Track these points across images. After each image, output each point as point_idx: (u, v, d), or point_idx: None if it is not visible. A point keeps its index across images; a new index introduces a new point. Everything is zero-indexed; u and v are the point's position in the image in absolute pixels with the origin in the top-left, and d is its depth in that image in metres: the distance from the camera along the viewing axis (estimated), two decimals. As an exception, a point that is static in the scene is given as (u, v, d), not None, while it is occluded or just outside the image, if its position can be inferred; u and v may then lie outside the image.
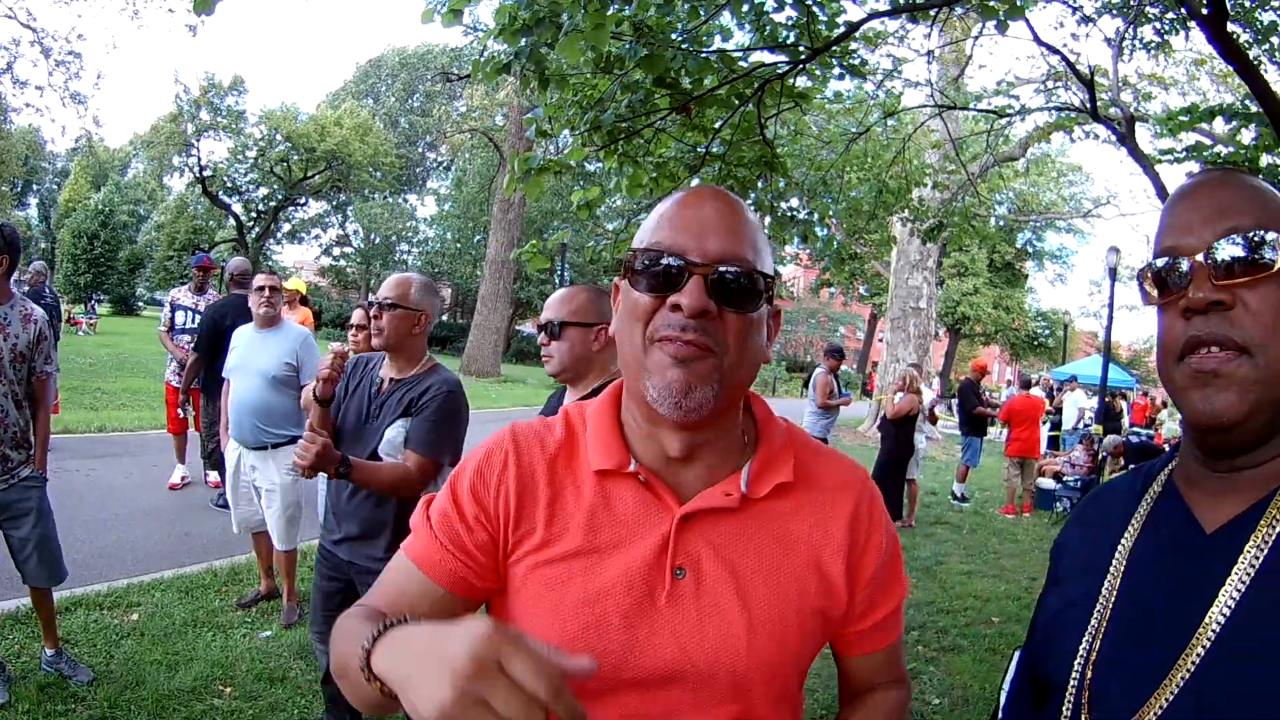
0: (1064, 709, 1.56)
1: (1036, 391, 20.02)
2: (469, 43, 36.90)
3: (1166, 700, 1.40)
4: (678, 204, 1.70)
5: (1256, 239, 1.45)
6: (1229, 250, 1.45)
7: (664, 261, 1.61)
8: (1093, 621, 1.58)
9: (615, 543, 1.67)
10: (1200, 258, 1.47)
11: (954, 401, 20.37)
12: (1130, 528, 1.64)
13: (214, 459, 10.05)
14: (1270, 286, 1.44)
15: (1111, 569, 1.61)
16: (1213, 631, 1.38)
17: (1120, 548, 1.63)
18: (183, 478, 11.20)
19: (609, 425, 1.77)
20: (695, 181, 7.73)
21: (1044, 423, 22.11)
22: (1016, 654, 1.98)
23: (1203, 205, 1.52)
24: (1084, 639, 1.58)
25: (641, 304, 1.63)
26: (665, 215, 1.69)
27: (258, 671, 6.14)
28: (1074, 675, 1.57)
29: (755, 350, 1.69)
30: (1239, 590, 1.39)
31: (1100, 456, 17.47)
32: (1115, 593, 1.58)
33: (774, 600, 1.68)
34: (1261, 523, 1.43)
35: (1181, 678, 1.40)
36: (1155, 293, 1.56)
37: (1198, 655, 1.39)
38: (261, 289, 7.08)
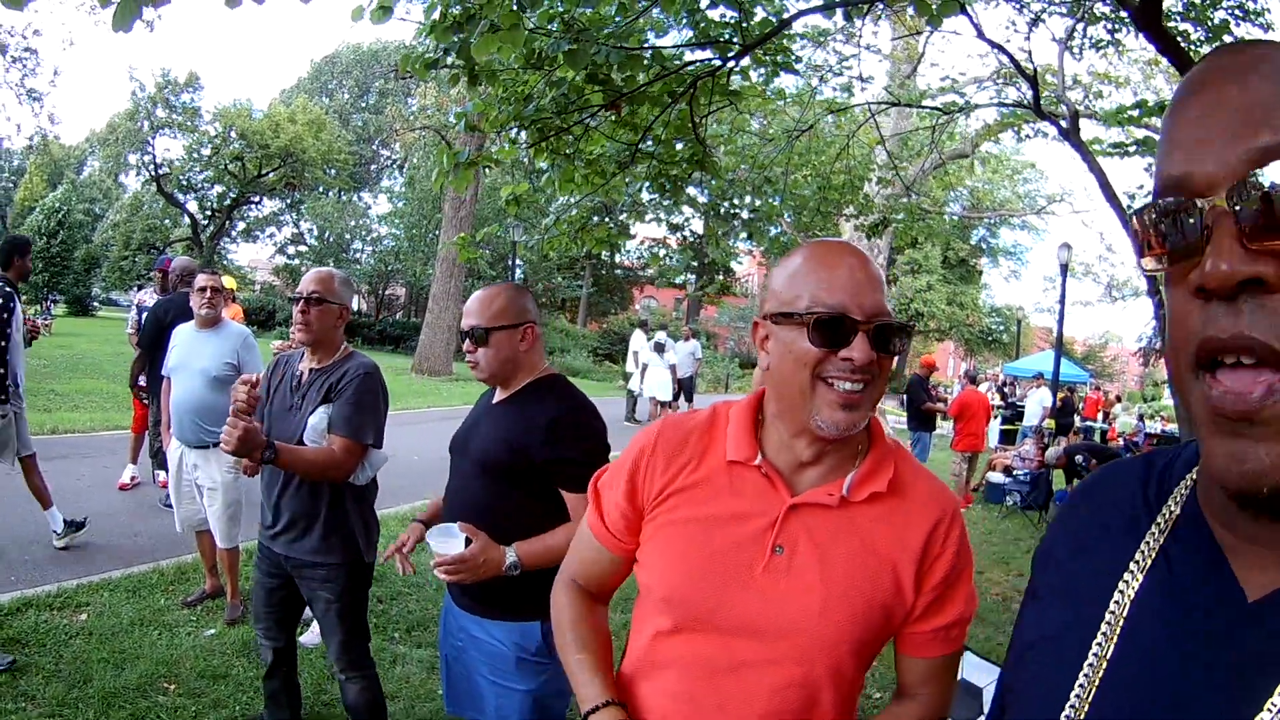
0: None
1: (983, 387, 20.12)
2: (424, 40, 36.84)
3: None
4: (822, 264, 2.03)
5: None
6: (1265, 186, 0.88)
7: (830, 318, 1.94)
8: (1081, 678, 1.13)
9: (733, 516, 2.08)
10: (1223, 199, 0.90)
11: (904, 397, 20.46)
12: (1138, 556, 1.16)
13: (160, 458, 10.06)
14: None
15: (1110, 612, 1.14)
16: None
17: (1122, 585, 1.15)
18: (132, 478, 11.21)
19: (747, 425, 2.16)
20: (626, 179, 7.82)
21: (995, 417, 22.33)
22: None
23: (1228, 104, 0.94)
24: (1068, 702, 1.12)
25: (811, 354, 1.95)
26: (814, 274, 2.01)
27: (201, 669, 6.17)
28: None
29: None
30: None
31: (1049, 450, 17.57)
32: (1111, 647, 1.12)
33: (848, 587, 2.02)
34: None
35: None
36: (1153, 251, 1.01)
37: None
38: (203, 289, 7.07)
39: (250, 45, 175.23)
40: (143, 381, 10.26)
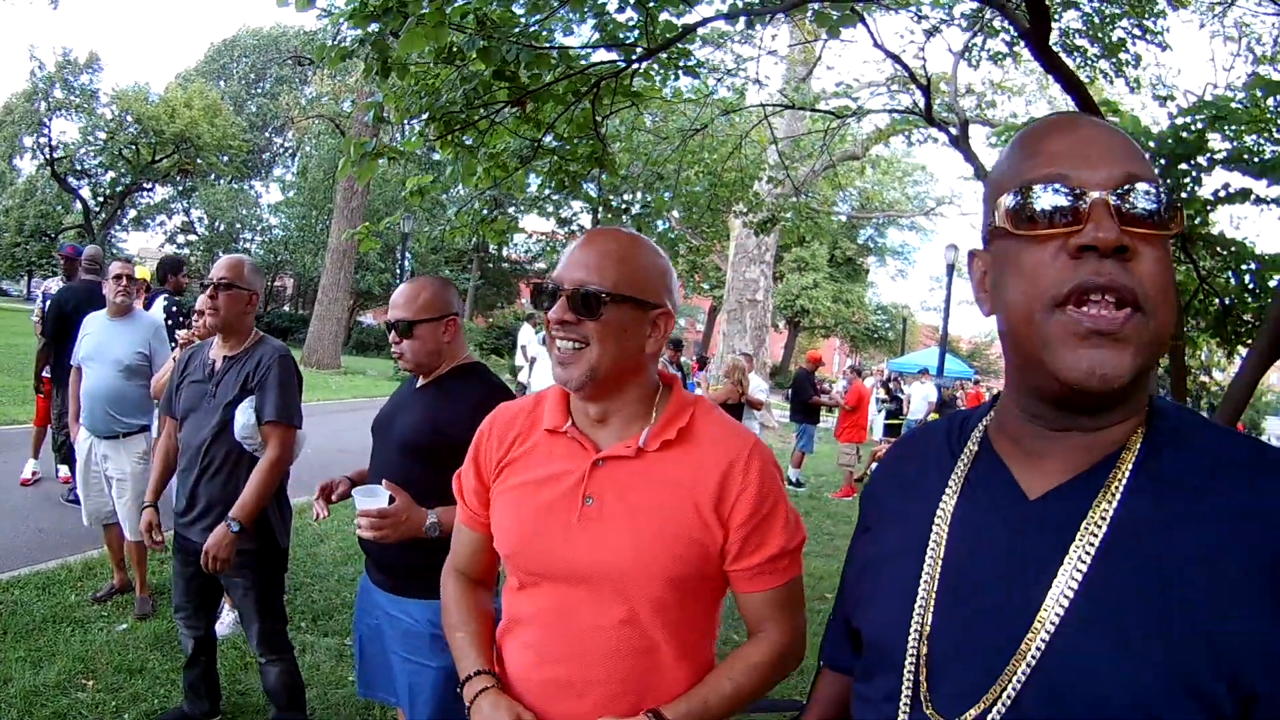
0: (903, 682, 1.50)
1: (869, 381, 20.57)
2: (324, 26, 36.32)
3: (1015, 686, 1.34)
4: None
5: (1154, 193, 1.33)
6: (1139, 197, 1.32)
7: (545, 288, 2.31)
8: (921, 588, 1.52)
9: (550, 477, 2.36)
10: (1107, 195, 1.32)
11: (789, 390, 20.79)
12: (950, 487, 1.58)
13: (64, 453, 9.88)
14: (1164, 249, 1.34)
15: (934, 533, 1.55)
16: (1055, 616, 1.32)
17: (940, 510, 1.56)
18: (34, 473, 10.91)
19: (560, 399, 2.45)
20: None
21: (879, 410, 22.73)
22: None
23: (1096, 141, 1.39)
24: (915, 608, 1.52)
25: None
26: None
27: (117, 664, 6.13)
28: (909, 648, 1.50)
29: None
30: (1083, 566, 1.33)
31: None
32: (940, 561, 1.52)
33: (654, 526, 2.24)
34: (1100, 498, 1.37)
35: (1027, 663, 1.33)
36: (1019, 221, 1.40)
37: (1042, 640, 1.32)
38: (118, 277, 7.02)
39: (153, 24, 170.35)
40: (46, 373, 10.02)
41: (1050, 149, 1.41)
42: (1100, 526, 1.34)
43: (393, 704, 4.09)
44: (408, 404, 4.03)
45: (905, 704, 1.49)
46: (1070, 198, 1.33)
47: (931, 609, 1.50)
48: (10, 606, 6.93)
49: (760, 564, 2.30)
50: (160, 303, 9.46)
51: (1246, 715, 1.22)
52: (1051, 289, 1.33)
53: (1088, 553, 1.33)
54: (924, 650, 1.48)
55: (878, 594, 1.66)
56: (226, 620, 6.76)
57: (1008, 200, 1.41)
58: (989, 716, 1.35)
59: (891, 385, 25.08)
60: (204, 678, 5.27)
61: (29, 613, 6.84)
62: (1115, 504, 1.35)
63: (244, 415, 4.73)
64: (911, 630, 1.51)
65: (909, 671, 1.49)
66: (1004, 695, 1.34)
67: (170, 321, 8.92)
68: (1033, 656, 1.32)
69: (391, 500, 3.54)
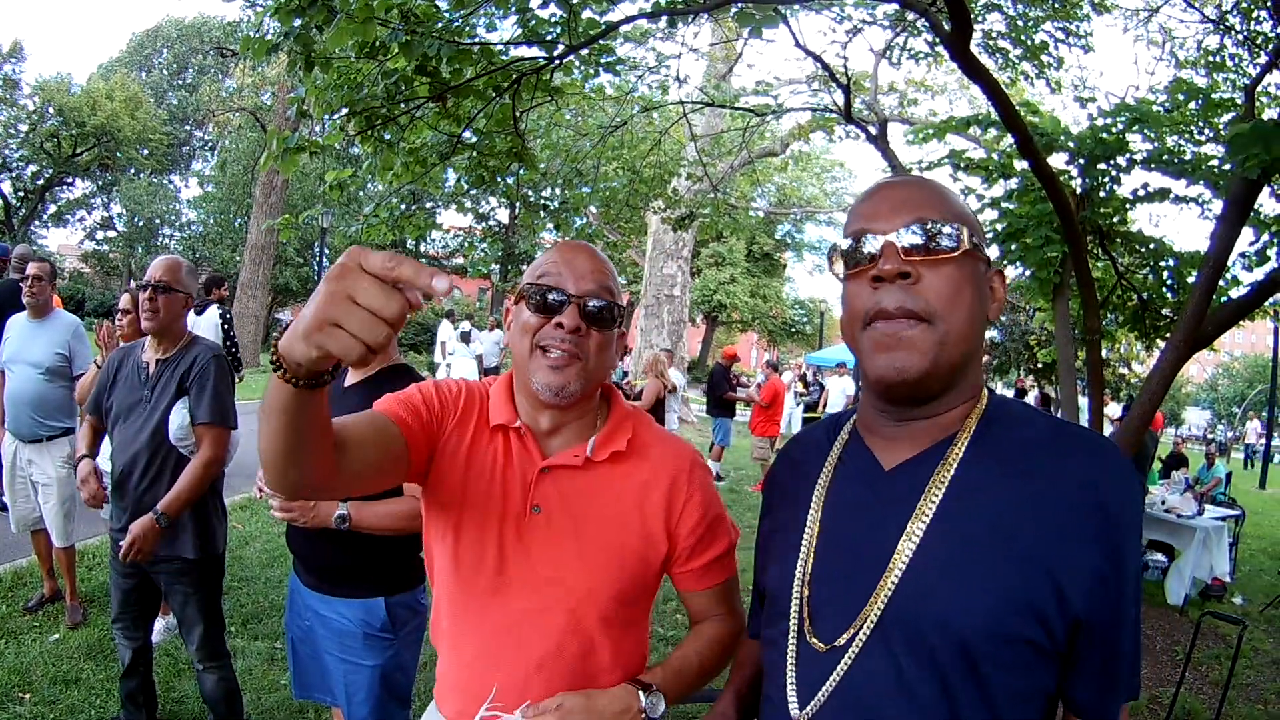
0: (790, 620, 1.87)
1: (786, 376, 20.78)
2: (246, 17, 35.91)
3: (875, 614, 1.71)
4: (555, 252, 2.38)
5: (935, 228, 1.74)
6: (914, 234, 1.74)
7: (548, 290, 2.30)
8: (803, 546, 1.91)
9: (497, 480, 2.32)
10: (892, 238, 1.74)
11: (705, 385, 21.00)
12: (825, 467, 1.99)
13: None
14: (948, 268, 1.74)
15: (813, 502, 1.95)
16: (905, 559, 1.71)
17: (819, 485, 1.97)
18: None
19: (506, 394, 2.43)
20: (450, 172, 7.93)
21: (797, 404, 22.93)
22: None
23: (893, 199, 1.82)
24: (799, 561, 1.91)
25: (531, 322, 2.29)
26: (545, 260, 2.35)
27: (52, 675, 6.08)
28: (795, 592, 1.88)
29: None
30: (925, 521, 1.72)
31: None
32: (819, 523, 1.92)
33: (601, 538, 2.29)
34: (940, 467, 1.76)
35: (884, 596, 1.71)
36: (843, 268, 1.85)
37: (895, 578, 1.70)
38: (35, 278, 6.95)
39: (77, 11, 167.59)
40: None
41: (860, 211, 1.87)
42: (941, 488, 1.74)
43: (329, 704, 4.11)
44: (337, 403, 3.90)
45: (793, 637, 1.86)
46: (869, 243, 1.77)
47: (812, 561, 1.89)
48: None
49: (708, 563, 2.45)
50: (213, 312, 9.70)
51: (1072, 641, 1.66)
52: (861, 312, 1.78)
53: (931, 507, 1.73)
54: (806, 593, 1.87)
55: (773, 555, 2.05)
56: (158, 627, 6.69)
57: (837, 252, 1.87)
58: (856, 638, 1.73)
59: (808, 379, 25.30)
60: (142, 688, 5.22)
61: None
62: (953, 470, 1.75)
63: (178, 417, 4.72)
64: (796, 578, 1.90)
65: (794, 610, 1.87)
66: (867, 622, 1.72)
67: (226, 328, 9.84)
68: (888, 591, 1.71)
69: None
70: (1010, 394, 9.74)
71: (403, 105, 6.78)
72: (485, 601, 2.31)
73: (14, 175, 57.36)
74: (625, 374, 22.36)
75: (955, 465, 1.76)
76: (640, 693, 2.26)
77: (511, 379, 2.46)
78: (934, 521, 1.72)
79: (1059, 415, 8.24)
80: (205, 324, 10.53)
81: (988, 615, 1.62)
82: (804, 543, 1.92)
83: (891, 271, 1.72)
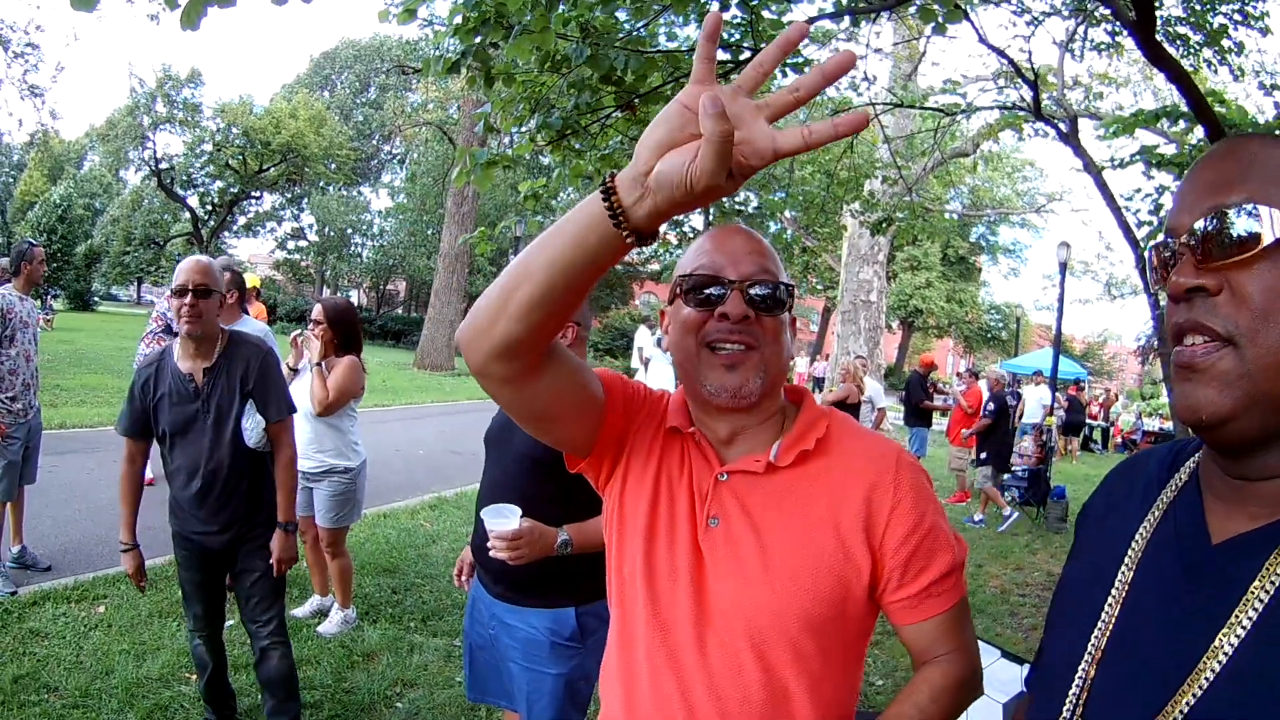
0: (1067, 699, 1.47)
1: (981, 383, 20.48)
2: (424, 35, 36.59)
3: None
4: (707, 239, 2.12)
5: (1242, 214, 1.29)
6: (1213, 228, 1.31)
7: (705, 279, 2.05)
8: (1103, 615, 1.48)
9: (670, 484, 2.08)
10: (1186, 238, 1.35)
11: (903, 394, 20.63)
12: (1150, 515, 1.53)
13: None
14: (1264, 266, 1.28)
15: (1127, 558, 1.51)
16: (1211, 673, 1.25)
17: (1138, 537, 1.52)
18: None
19: (682, 399, 2.19)
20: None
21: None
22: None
23: (1198, 181, 1.40)
24: (1094, 632, 1.48)
25: (693, 318, 2.05)
26: (696, 248, 2.12)
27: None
28: (1080, 668, 1.47)
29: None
30: (1246, 627, 1.24)
31: (1048, 448, 17.69)
32: (1127, 588, 1.48)
33: (787, 553, 1.93)
34: (1271, 561, 1.27)
35: (1184, 707, 1.26)
36: (1154, 277, 1.47)
37: (1194, 695, 1.26)
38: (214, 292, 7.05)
39: (252, 40, 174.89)
40: None
41: (1176, 197, 1.49)
42: (1268, 592, 1.25)
43: (504, 706, 4.11)
44: None
45: None
46: (1167, 246, 1.43)
47: (1107, 635, 1.46)
48: (116, 600, 7.14)
49: (925, 588, 2.00)
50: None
51: None
52: (1168, 332, 1.42)
53: (1255, 610, 1.25)
54: (1091, 675, 1.46)
55: (1064, 613, 1.65)
56: (335, 619, 6.94)
57: (1151, 253, 1.52)
58: None
59: (1009, 390, 24.79)
60: (222, 683, 5.35)
61: (134, 607, 7.03)
62: None
63: (254, 424, 4.84)
64: (1086, 654, 1.47)
65: (1073, 695, 1.47)
66: None
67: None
68: (1186, 706, 1.27)
69: (522, 518, 3.49)
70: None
71: (592, 116, 6.79)
72: (656, 631, 2.01)
73: (201, 191, 60.12)
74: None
75: None
76: None
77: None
78: (1252, 631, 1.24)
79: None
80: None
81: None
82: (1105, 609, 1.48)
83: (1180, 288, 1.33)
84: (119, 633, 6.52)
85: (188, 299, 4.60)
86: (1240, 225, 1.29)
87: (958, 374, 23.76)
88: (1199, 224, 1.33)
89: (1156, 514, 1.53)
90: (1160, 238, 1.44)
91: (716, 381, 1.97)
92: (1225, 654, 1.25)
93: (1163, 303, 1.48)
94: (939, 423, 21.18)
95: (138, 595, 7.09)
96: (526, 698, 3.83)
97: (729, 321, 1.95)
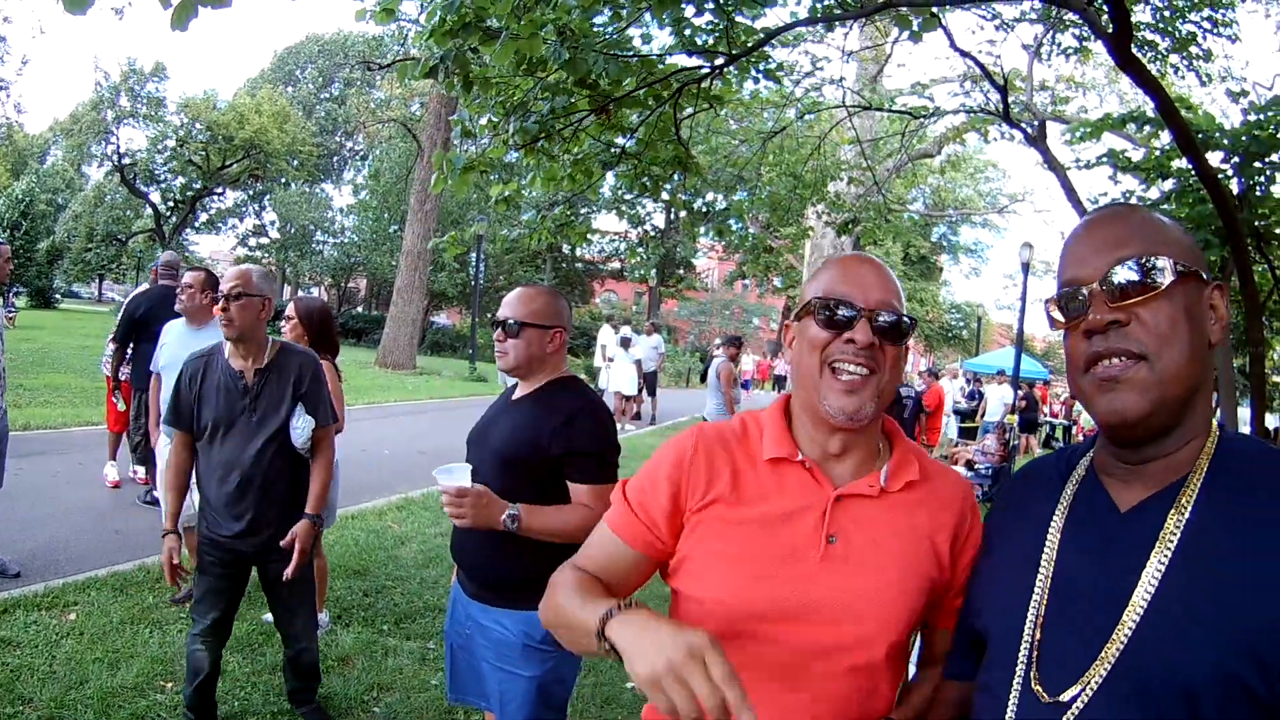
0: (1018, 661, 1.82)
1: (945, 382, 20.50)
2: (389, 31, 36.45)
3: (1107, 667, 1.65)
4: (836, 264, 2.32)
5: (1144, 264, 1.74)
6: (1121, 276, 1.75)
7: (835, 303, 2.19)
8: (1037, 588, 1.85)
9: (783, 514, 2.16)
10: (1096, 285, 1.77)
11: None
12: (1059, 507, 1.93)
13: (141, 453, 9.99)
14: (1160, 302, 1.72)
15: (1048, 543, 1.89)
16: (1141, 605, 1.65)
17: (1053, 525, 1.91)
18: (128, 475, 10.87)
19: (781, 424, 2.29)
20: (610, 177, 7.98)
21: (954, 413, 22.62)
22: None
23: (1095, 240, 1.83)
24: (1030, 604, 1.84)
25: (820, 337, 2.18)
26: (827, 271, 2.29)
27: None
28: (1025, 638, 1.82)
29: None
30: (1161, 567, 1.66)
31: (1010, 445, 17.81)
32: (1052, 564, 1.86)
33: (901, 567, 2.14)
34: (1173, 510, 1.71)
35: (1119, 645, 1.65)
36: (1061, 318, 1.87)
37: (1130, 625, 1.65)
38: (185, 285, 7.15)
39: (216, 34, 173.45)
40: (124, 375, 9.87)
41: (1068, 256, 1.91)
42: (1176, 532, 1.69)
43: (482, 708, 4.14)
44: (504, 415, 4.06)
45: (1018, 684, 1.80)
46: (1074, 294, 1.84)
47: (1045, 603, 1.83)
48: (87, 607, 7.03)
49: None
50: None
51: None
52: (1079, 359, 1.84)
53: (1166, 553, 1.68)
54: (1038, 637, 1.81)
55: (997, 595, 1.99)
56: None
57: (1053, 303, 1.95)
58: (1084, 692, 1.68)
59: (971, 386, 24.87)
60: (209, 692, 5.34)
61: (105, 613, 6.93)
62: (1187, 513, 1.70)
63: (303, 425, 4.97)
64: (1028, 619, 1.83)
65: (1022, 657, 1.80)
66: (1098, 675, 1.67)
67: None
68: (1121, 642, 1.67)
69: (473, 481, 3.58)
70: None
71: (566, 119, 6.81)
72: (764, 640, 2.11)
73: (163, 187, 59.72)
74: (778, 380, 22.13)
75: (1189, 508, 1.71)
76: None
77: (784, 407, 2.35)
78: (1169, 569, 1.66)
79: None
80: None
81: (1215, 665, 1.55)
82: (1038, 584, 1.86)
83: (1100, 323, 1.75)
84: (91, 640, 6.44)
85: (221, 303, 4.83)
86: (1143, 273, 1.74)
87: (918, 373, 23.81)
88: (1113, 272, 1.75)
89: (1065, 503, 1.93)
90: (1061, 288, 1.86)
91: (836, 403, 2.13)
92: (1153, 581, 1.66)
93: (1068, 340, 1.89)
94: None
95: (108, 602, 7.06)
96: (499, 699, 3.87)
97: (855, 345, 2.12)
